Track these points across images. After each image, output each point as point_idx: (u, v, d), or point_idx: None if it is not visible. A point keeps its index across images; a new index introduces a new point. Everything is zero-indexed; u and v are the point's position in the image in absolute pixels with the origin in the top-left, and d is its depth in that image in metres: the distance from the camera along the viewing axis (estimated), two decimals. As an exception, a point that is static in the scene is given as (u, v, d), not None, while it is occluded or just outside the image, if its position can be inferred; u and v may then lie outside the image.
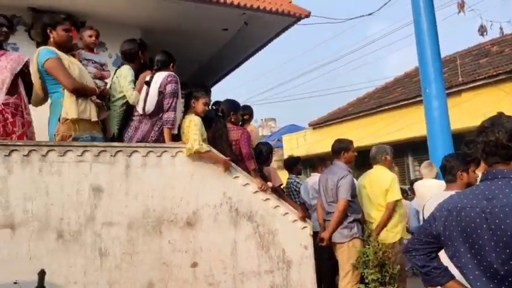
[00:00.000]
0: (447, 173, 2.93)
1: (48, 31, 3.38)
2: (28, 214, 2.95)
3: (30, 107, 3.47)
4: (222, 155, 3.63)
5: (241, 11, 5.22)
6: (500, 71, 9.63)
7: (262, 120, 28.35)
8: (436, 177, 4.84)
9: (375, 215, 4.08)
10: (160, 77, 3.68)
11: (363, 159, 4.84)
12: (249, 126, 5.17)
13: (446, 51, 13.04)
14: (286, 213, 3.76)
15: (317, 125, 15.61)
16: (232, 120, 4.12)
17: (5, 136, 3.16)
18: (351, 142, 4.21)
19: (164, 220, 3.34)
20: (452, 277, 1.78)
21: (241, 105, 4.63)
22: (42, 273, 2.60)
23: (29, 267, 2.84)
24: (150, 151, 3.40)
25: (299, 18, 5.59)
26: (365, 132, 12.47)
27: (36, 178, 3.01)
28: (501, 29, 7.65)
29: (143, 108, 3.65)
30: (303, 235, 3.78)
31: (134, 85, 3.72)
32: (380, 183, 4.10)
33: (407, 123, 10.69)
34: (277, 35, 6.24)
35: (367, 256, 3.69)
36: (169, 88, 3.62)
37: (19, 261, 2.88)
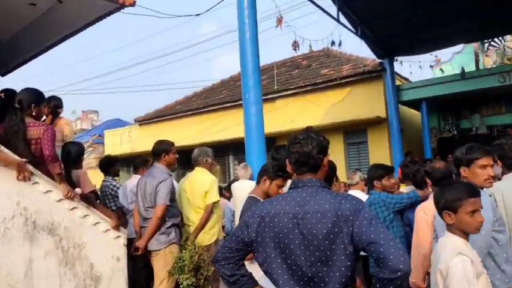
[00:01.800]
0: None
1: None
2: None
3: None
4: (16, 156, 3.03)
5: (53, -15, 4.49)
6: (307, 83, 11.10)
7: (82, 112, 25.65)
8: (251, 178, 5.18)
9: (193, 217, 4.07)
10: None
11: (188, 159, 4.79)
12: (61, 120, 4.48)
13: (265, 60, 14.25)
14: (98, 222, 3.40)
15: (144, 121, 15.04)
16: (34, 114, 3.46)
17: None
18: (172, 144, 4.03)
19: None
20: (257, 283, 1.84)
21: (48, 96, 4.00)
22: None
23: None
24: None
25: (123, 6, 5.17)
26: (192, 131, 12.65)
27: None
28: (310, 46, 8.68)
29: None
30: (116, 246, 3.47)
31: None
32: (200, 186, 4.10)
33: (230, 124, 11.28)
34: (97, 19, 5.63)
35: (183, 261, 3.62)
36: None
37: None
